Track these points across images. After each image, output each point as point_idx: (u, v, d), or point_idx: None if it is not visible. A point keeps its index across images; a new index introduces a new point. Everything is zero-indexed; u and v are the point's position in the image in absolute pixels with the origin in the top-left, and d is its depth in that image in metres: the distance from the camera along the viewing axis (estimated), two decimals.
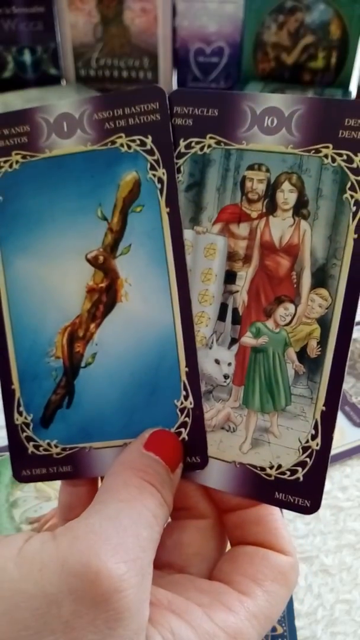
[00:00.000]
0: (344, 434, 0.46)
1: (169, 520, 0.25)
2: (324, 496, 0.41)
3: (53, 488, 0.40)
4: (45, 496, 0.39)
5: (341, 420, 0.47)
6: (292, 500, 0.23)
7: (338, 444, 0.45)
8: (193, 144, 0.24)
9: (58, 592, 0.17)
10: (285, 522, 0.23)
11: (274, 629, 0.33)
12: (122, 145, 0.24)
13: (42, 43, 0.95)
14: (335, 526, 0.40)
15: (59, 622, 0.17)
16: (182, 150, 0.24)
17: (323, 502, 0.40)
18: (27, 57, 0.95)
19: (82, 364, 0.25)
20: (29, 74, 0.97)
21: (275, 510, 0.23)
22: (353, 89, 0.95)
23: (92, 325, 0.25)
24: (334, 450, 0.43)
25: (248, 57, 0.94)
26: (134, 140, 0.24)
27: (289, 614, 0.34)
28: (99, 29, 0.94)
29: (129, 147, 0.24)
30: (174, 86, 0.99)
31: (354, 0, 0.86)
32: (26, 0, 0.91)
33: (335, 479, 0.43)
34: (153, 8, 0.91)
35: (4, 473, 0.41)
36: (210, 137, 0.23)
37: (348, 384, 0.50)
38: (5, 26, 0.92)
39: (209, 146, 0.24)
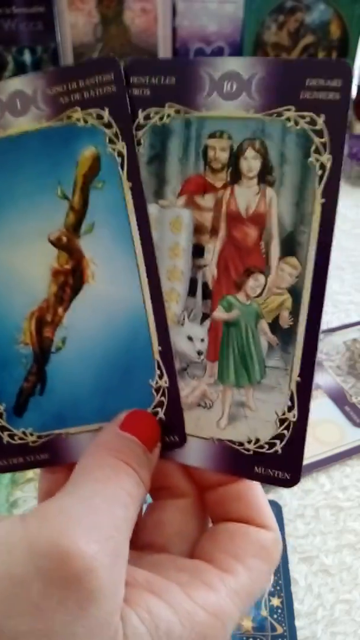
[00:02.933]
0: (344, 434, 0.46)
1: (150, 500, 0.25)
2: (324, 496, 0.41)
3: None
4: None
5: (341, 420, 0.47)
6: (272, 474, 0.22)
7: (338, 444, 0.45)
8: (152, 115, 0.23)
9: (26, 574, 0.16)
10: (265, 497, 0.23)
11: (274, 629, 0.33)
12: (78, 119, 0.23)
13: (42, 43, 0.94)
14: (335, 526, 0.40)
15: (27, 604, 0.16)
16: (141, 121, 0.23)
17: (323, 502, 0.41)
18: (27, 57, 0.94)
19: (53, 349, 0.24)
20: None
21: (256, 485, 0.23)
22: (353, 89, 0.95)
23: (60, 309, 0.24)
24: (334, 450, 0.44)
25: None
26: (90, 114, 0.23)
27: (289, 614, 0.34)
28: (99, 29, 0.94)
29: (86, 121, 0.23)
30: None
31: (354, 0, 0.86)
32: (26, 0, 0.90)
33: (335, 479, 0.43)
34: (153, 8, 0.90)
35: (4, 474, 0.41)
36: (169, 106, 0.23)
37: (348, 384, 0.50)
38: (5, 26, 0.91)
39: (168, 115, 0.23)
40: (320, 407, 0.48)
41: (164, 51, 0.94)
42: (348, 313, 0.60)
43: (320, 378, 0.51)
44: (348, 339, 0.56)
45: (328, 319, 0.59)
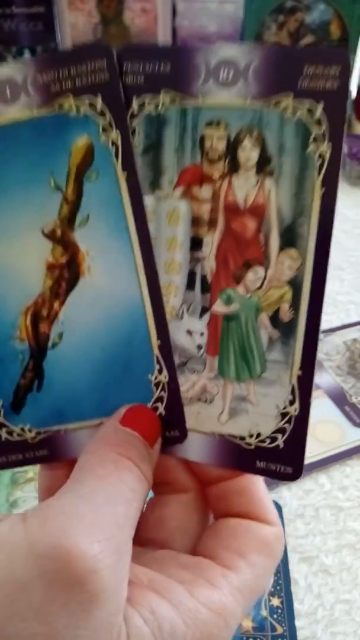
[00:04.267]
0: (344, 434, 0.46)
1: (151, 495, 0.25)
2: (324, 496, 0.41)
3: None
4: None
5: (341, 420, 0.47)
6: (273, 468, 0.22)
7: (338, 444, 0.45)
8: (146, 103, 0.22)
9: (27, 577, 0.16)
10: (267, 492, 0.23)
11: (274, 629, 0.34)
12: (70, 107, 0.22)
13: (42, 43, 0.93)
14: (335, 526, 0.40)
15: (29, 608, 0.16)
16: (135, 110, 0.22)
17: (323, 502, 0.41)
18: (27, 57, 0.93)
19: (49, 345, 0.24)
20: None
21: (258, 480, 0.23)
22: (353, 89, 0.94)
23: (56, 304, 0.24)
24: (334, 450, 0.44)
25: None
26: (83, 102, 0.22)
27: (289, 614, 0.34)
28: (99, 29, 0.93)
29: (78, 109, 0.22)
30: None
31: (354, 0, 0.86)
32: (26, 0, 0.89)
33: (335, 479, 0.43)
34: (153, 8, 0.90)
35: (4, 473, 0.41)
36: (165, 93, 0.22)
37: (348, 384, 0.50)
38: (5, 26, 0.90)
39: (163, 104, 0.22)
40: (320, 407, 0.48)
41: None
42: (348, 313, 0.60)
43: (320, 378, 0.51)
44: (348, 339, 0.56)
45: (328, 319, 0.59)
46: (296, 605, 0.35)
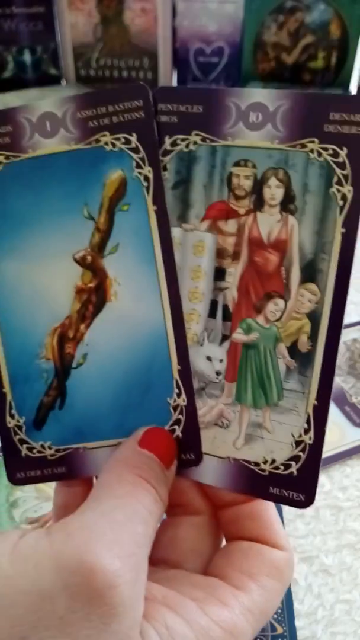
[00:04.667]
0: (344, 434, 0.46)
1: (164, 517, 0.25)
2: (324, 496, 0.42)
3: (53, 488, 0.40)
4: (45, 496, 0.39)
5: (341, 420, 0.47)
6: (286, 495, 0.23)
7: (338, 444, 0.45)
8: (178, 141, 0.24)
9: (52, 588, 0.17)
10: (279, 517, 0.23)
11: (274, 629, 0.34)
12: (106, 143, 0.24)
13: (42, 43, 0.94)
14: (335, 526, 0.40)
15: (53, 617, 0.17)
16: (168, 147, 0.24)
17: (323, 502, 0.41)
18: (27, 57, 0.95)
19: (74, 365, 0.25)
20: (29, 74, 0.96)
21: (270, 505, 0.23)
22: (353, 89, 0.95)
23: (82, 326, 0.25)
24: (334, 450, 0.44)
25: (248, 57, 0.94)
26: (118, 139, 0.24)
27: (289, 614, 0.34)
28: (99, 29, 0.93)
29: (114, 145, 0.24)
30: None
31: (354, 0, 0.86)
32: (26, 0, 0.91)
33: (335, 479, 0.43)
34: (153, 8, 0.90)
35: (4, 474, 0.41)
36: (196, 134, 0.23)
37: (348, 384, 0.50)
38: (5, 26, 0.91)
39: (195, 143, 0.23)
40: None
41: (164, 51, 0.94)
42: (348, 313, 0.60)
43: None
44: (348, 339, 0.56)
45: None
46: (296, 605, 0.35)
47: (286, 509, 0.41)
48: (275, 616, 0.34)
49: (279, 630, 0.34)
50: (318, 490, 0.41)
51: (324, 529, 0.40)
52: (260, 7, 0.89)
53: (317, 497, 0.41)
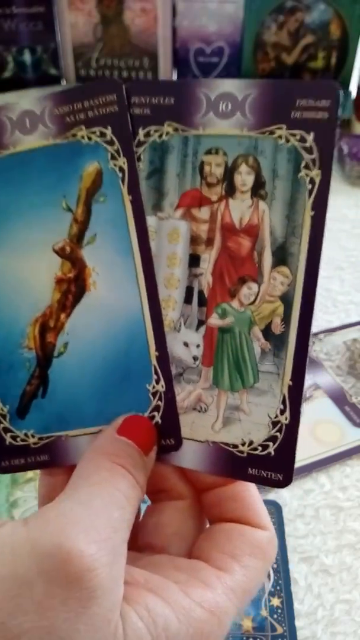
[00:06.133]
0: (344, 434, 0.46)
1: (149, 503, 0.25)
2: (324, 496, 0.42)
3: None
4: None
5: (341, 420, 0.47)
6: (265, 475, 0.23)
7: (338, 444, 0.45)
8: (152, 132, 0.24)
9: (29, 574, 0.17)
10: (260, 498, 0.23)
11: (274, 629, 0.34)
12: (82, 137, 0.24)
13: (42, 43, 0.95)
14: (335, 526, 0.40)
15: (31, 603, 0.17)
16: (142, 138, 0.24)
17: (323, 502, 0.42)
18: (27, 57, 0.95)
19: (55, 354, 0.25)
20: (29, 74, 0.97)
21: (251, 486, 0.23)
22: (353, 89, 0.95)
23: (63, 315, 0.25)
24: (334, 450, 0.44)
25: (248, 57, 0.94)
26: (94, 132, 0.24)
27: (289, 614, 0.34)
28: (99, 29, 0.94)
29: (90, 138, 0.24)
30: None
31: (354, 0, 0.87)
32: (26, 0, 0.91)
33: (335, 479, 0.43)
34: (153, 8, 0.91)
35: (4, 474, 0.41)
36: (168, 125, 0.24)
37: (348, 384, 0.50)
38: (5, 26, 0.92)
39: (167, 133, 0.24)
40: (320, 407, 0.48)
41: (164, 51, 0.94)
42: (348, 313, 0.60)
43: (320, 378, 0.51)
44: (348, 339, 0.56)
45: (328, 319, 0.59)
46: (296, 605, 0.35)
47: (286, 509, 0.41)
48: (275, 616, 0.34)
49: (279, 630, 0.34)
50: (318, 490, 0.42)
51: (324, 529, 0.39)
52: (260, 7, 0.89)
53: (317, 497, 0.42)
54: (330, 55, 0.92)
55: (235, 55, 0.95)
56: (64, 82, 0.99)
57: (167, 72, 0.97)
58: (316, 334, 0.55)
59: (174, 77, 0.97)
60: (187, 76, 0.97)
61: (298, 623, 0.34)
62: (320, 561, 0.38)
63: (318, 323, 0.57)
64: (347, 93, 0.94)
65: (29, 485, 0.41)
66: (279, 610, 0.34)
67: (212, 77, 0.97)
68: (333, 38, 0.90)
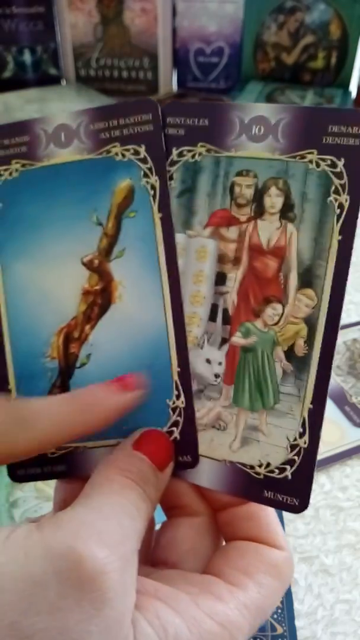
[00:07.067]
0: (344, 434, 0.45)
1: (164, 518, 0.25)
2: (324, 496, 0.41)
3: (53, 487, 0.40)
4: (45, 496, 0.40)
5: (341, 420, 0.47)
6: (280, 499, 0.23)
7: (338, 444, 0.45)
8: (185, 152, 0.25)
9: (43, 574, 0.17)
10: (277, 517, 0.23)
11: (274, 629, 0.33)
12: (116, 154, 0.25)
13: (42, 43, 0.95)
14: (335, 526, 0.39)
15: (45, 603, 0.17)
16: (175, 158, 0.25)
17: (323, 502, 0.41)
18: (27, 57, 0.95)
19: (77, 365, 0.26)
20: (29, 74, 0.97)
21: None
22: (353, 89, 0.95)
23: (87, 327, 0.26)
24: (334, 450, 0.44)
25: (248, 57, 0.94)
26: (128, 150, 0.25)
27: (289, 614, 0.34)
28: (99, 29, 0.94)
29: (124, 155, 0.25)
30: (174, 86, 0.99)
31: (354, 0, 0.86)
32: (26, 0, 0.91)
33: (335, 479, 0.43)
34: (153, 8, 0.91)
35: (4, 473, 0.41)
36: (201, 146, 0.24)
37: (348, 384, 0.50)
38: (5, 26, 0.92)
39: (200, 154, 0.25)
40: None
41: (164, 51, 0.94)
42: (348, 313, 0.60)
43: None
44: (348, 339, 0.55)
45: None
46: (296, 605, 0.35)
47: None
48: (275, 616, 0.34)
49: (279, 630, 0.33)
50: (318, 490, 0.42)
51: (324, 529, 0.39)
52: (260, 7, 0.89)
53: (317, 497, 0.42)
54: (330, 55, 0.92)
55: (235, 55, 0.95)
56: (63, 82, 1.00)
57: (167, 72, 0.97)
58: None
59: (174, 77, 0.98)
60: (187, 76, 0.97)
61: (298, 623, 0.34)
62: (320, 561, 0.37)
63: None
64: (347, 93, 0.95)
65: (29, 485, 0.41)
66: (279, 610, 0.34)
67: (211, 77, 0.97)
68: (333, 38, 0.90)
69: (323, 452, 0.44)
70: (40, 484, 0.40)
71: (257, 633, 0.33)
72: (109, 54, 0.97)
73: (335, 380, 0.51)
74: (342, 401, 0.48)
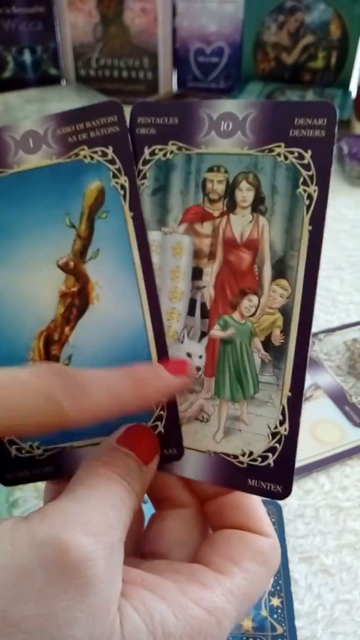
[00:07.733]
0: (344, 434, 0.46)
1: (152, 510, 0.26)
2: (324, 496, 0.42)
3: None
4: None
5: (341, 420, 0.47)
6: (264, 487, 0.23)
7: (338, 444, 0.45)
8: (156, 151, 0.25)
9: (30, 563, 0.18)
10: (262, 505, 0.24)
11: (274, 629, 0.34)
12: (85, 156, 0.25)
13: (42, 43, 0.95)
14: (335, 526, 0.40)
15: (32, 591, 0.17)
16: (147, 157, 0.25)
17: (323, 502, 0.42)
18: (27, 57, 0.95)
19: None
20: (29, 74, 0.97)
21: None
22: (353, 89, 0.96)
23: (67, 328, 0.26)
24: (334, 450, 0.44)
25: (248, 57, 0.95)
26: (96, 152, 0.25)
27: (289, 614, 0.34)
28: (99, 29, 0.94)
29: (92, 158, 0.25)
30: (174, 86, 0.99)
31: (354, 0, 0.87)
32: (26, 0, 0.91)
33: (335, 479, 0.43)
34: (153, 8, 0.91)
35: None
36: (172, 144, 0.25)
37: (348, 384, 0.51)
38: (5, 26, 0.92)
39: (171, 152, 0.25)
40: (320, 407, 0.48)
41: (164, 51, 0.95)
42: (348, 313, 0.60)
43: (320, 378, 0.51)
44: (348, 339, 0.56)
45: (328, 319, 0.59)
46: (296, 605, 0.35)
47: (286, 509, 0.41)
48: (275, 616, 0.34)
49: (279, 630, 0.34)
50: (318, 490, 0.42)
51: (324, 529, 0.40)
52: (260, 7, 0.90)
53: (317, 497, 0.42)
54: (330, 55, 0.93)
55: (235, 55, 0.95)
56: (63, 82, 0.99)
57: (167, 72, 0.97)
58: (316, 334, 0.56)
59: (174, 77, 0.98)
60: (187, 76, 0.97)
61: (298, 623, 0.34)
62: (320, 561, 0.38)
63: (318, 323, 0.58)
64: (347, 93, 0.95)
65: (28, 485, 0.41)
66: (279, 610, 0.34)
67: (211, 77, 0.97)
68: (333, 38, 0.91)
69: (323, 452, 0.44)
70: (40, 484, 0.40)
71: (257, 633, 0.34)
72: (109, 54, 0.97)
73: (335, 380, 0.51)
74: (342, 401, 0.49)
